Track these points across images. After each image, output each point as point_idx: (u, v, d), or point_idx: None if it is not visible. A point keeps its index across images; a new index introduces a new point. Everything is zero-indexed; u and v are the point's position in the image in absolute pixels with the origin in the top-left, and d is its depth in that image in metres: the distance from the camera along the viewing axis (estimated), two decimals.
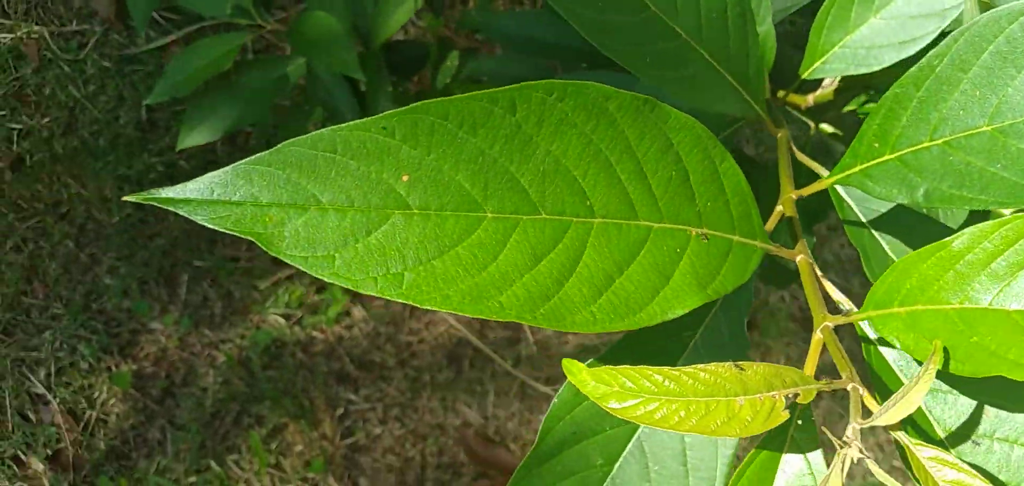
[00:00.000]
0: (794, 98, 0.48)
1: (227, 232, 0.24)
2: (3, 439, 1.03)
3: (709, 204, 0.27)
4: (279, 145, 0.24)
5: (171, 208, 0.24)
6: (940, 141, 0.28)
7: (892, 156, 0.30)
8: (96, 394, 1.08)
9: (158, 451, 1.06)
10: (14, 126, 1.26)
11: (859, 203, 0.39)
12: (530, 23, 0.71)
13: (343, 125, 0.23)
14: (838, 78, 0.49)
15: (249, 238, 0.24)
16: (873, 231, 0.39)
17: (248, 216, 0.24)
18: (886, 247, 0.39)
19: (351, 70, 0.74)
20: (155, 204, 0.24)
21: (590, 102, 0.24)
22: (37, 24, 1.34)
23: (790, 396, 0.24)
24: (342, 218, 0.23)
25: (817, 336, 0.28)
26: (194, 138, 0.84)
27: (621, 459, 0.37)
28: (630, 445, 0.37)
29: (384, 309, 1.19)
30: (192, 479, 1.04)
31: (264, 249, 0.24)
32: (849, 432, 0.24)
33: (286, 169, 0.24)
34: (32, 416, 1.07)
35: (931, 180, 0.28)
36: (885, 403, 0.24)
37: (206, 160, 1.26)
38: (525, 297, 0.23)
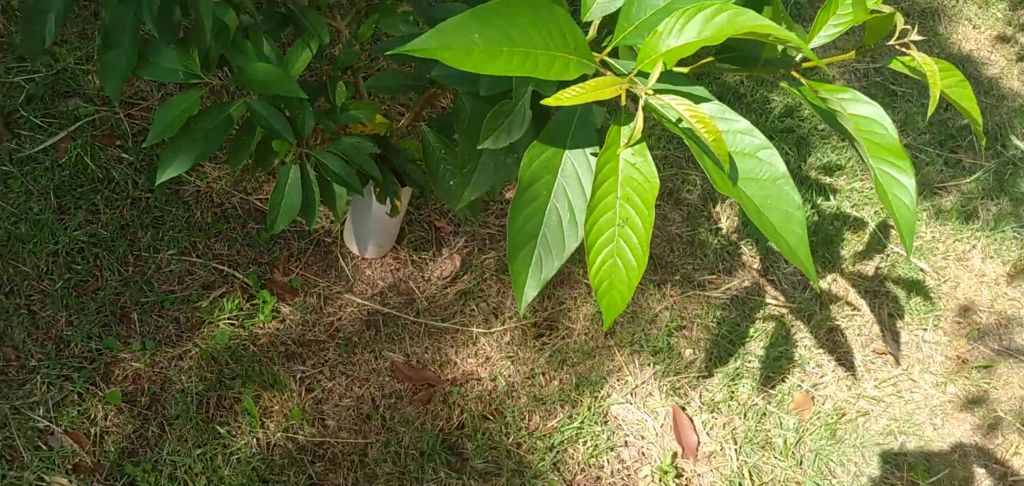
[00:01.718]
0: None
1: (419, 56, 0.61)
2: (23, 468, 1.19)
3: (572, 43, 0.69)
4: (442, 28, 0.61)
5: (419, 54, 0.60)
6: (649, 14, 0.73)
7: (631, 27, 0.75)
8: (94, 414, 1.27)
9: (162, 441, 1.28)
10: None
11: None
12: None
13: (458, 20, 0.62)
14: (597, 18, 0.94)
15: (440, 59, 0.61)
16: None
17: (443, 50, 0.60)
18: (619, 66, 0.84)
19: (297, 93, 1.09)
20: (403, 54, 0.61)
21: (534, 6, 0.64)
22: None
23: (621, 91, 0.65)
24: (469, 50, 0.61)
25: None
26: (170, 172, 1.12)
27: (554, 187, 0.77)
28: (556, 181, 0.77)
29: (303, 302, 1.49)
30: (199, 450, 1.27)
31: (450, 63, 0.61)
32: (641, 89, 0.66)
33: (450, 36, 0.61)
34: (43, 445, 1.23)
35: (636, 33, 0.73)
36: (649, 75, 0.66)
37: (120, 223, 1.48)
38: (526, 69, 0.63)
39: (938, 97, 0.80)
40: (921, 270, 1.89)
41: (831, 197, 1.98)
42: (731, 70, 0.91)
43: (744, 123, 0.71)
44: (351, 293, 1.53)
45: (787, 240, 0.69)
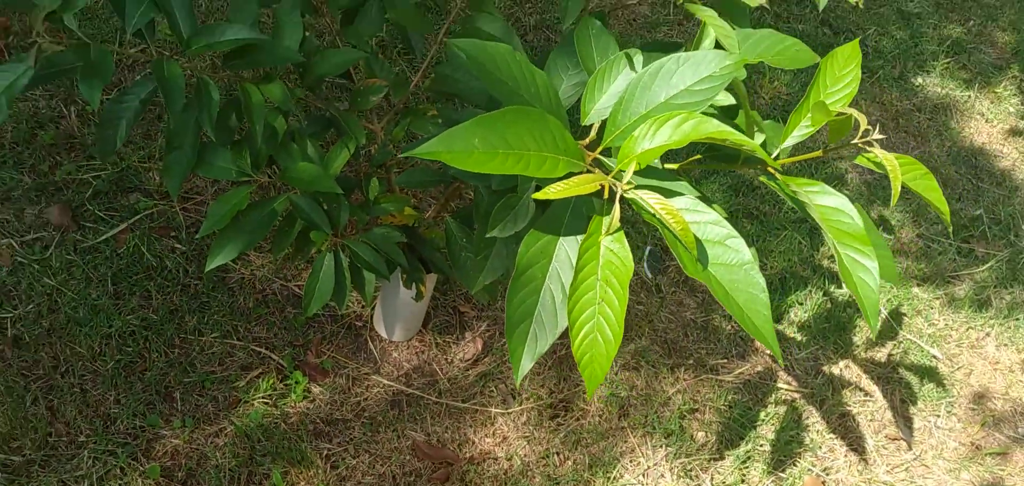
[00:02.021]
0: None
1: (427, 157, 0.72)
2: None
3: (563, 146, 0.79)
4: (448, 133, 0.73)
5: (428, 157, 0.72)
6: (631, 120, 0.84)
7: (618, 131, 0.86)
8: None
9: None
10: (4, 316, 1.54)
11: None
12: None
13: (463, 127, 0.73)
14: (597, 122, 1.06)
15: (444, 160, 0.72)
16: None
17: (448, 153, 0.72)
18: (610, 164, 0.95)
19: (334, 189, 1.21)
20: (413, 156, 0.72)
21: (528, 115, 0.75)
22: (3, 237, 1.64)
23: (605, 185, 0.75)
24: (469, 152, 0.72)
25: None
26: (219, 260, 1.24)
27: (549, 271, 0.87)
28: (551, 265, 0.87)
29: (333, 382, 1.59)
30: None
31: (454, 164, 0.72)
32: (618, 185, 0.76)
33: (454, 141, 0.73)
34: None
35: (621, 136, 0.84)
36: (624, 173, 0.76)
37: (170, 308, 1.61)
38: (519, 168, 0.74)
39: (900, 189, 0.89)
40: (934, 357, 1.92)
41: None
42: (715, 167, 1.01)
43: (713, 215, 0.81)
44: (378, 374, 1.63)
45: (752, 320, 0.77)
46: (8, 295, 1.57)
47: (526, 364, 0.83)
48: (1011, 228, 2.28)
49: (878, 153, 0.89)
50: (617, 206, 0.76)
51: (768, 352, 1.85)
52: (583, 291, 0.77)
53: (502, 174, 0.74)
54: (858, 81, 0.94)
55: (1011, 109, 2.65)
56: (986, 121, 2.60)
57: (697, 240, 0.78)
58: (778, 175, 0.93)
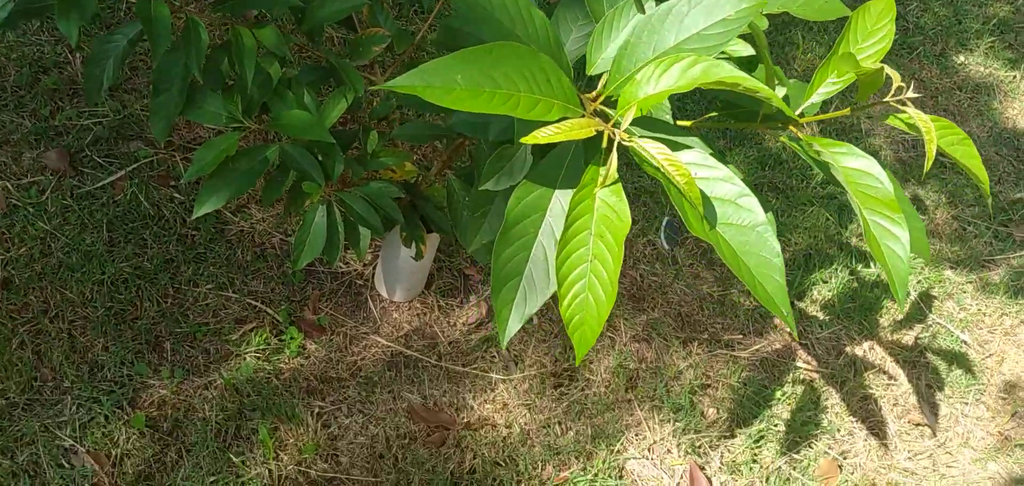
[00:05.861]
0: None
1: (403, 92, 0.65)
2: (45, 485, 1.25)
3: (557, 89, 0.72)
4: (426, 66, 0.65)
5: (403, 91, 0.64)
6: (637, 65, 0.76)
7: (622, 78, 0.78)
8: (117, 437, 1.33)
9: (178, 467, 1.32)
10: None
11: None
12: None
13: (444, 60, 0.65)
14: (605, 72, 0.97)
15: (421, 96, 0.65)
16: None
17: (425, 88, 0.64)
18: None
19: (326, 138, 1.15)
20: (392, 89, 0.65)
21: (517, 51, 0.68)
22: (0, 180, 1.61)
23: (603, 132, 0.67)
24: (449, 89, 0.65)
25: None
26: (207, 207, 1.18)
27: (541, 226, 0.79)
28: (544, 220, 0.79)
29: (329, 340, 1.54)
30: (212, 479, 1.31)
31: (431, 100, 0.64)
32: (617, 132, 0.68)
33: (432, 75, 0.65)
34: (65, 464, 1.30)
35: (624, 83, 0.76)
36: (624, 119, 0.68)
37: (165, 258, 1.56)
38: (507, 108, 0.66)
39: (934, 153, 0.80)
40: (963, 342, 1.82)
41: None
42: (732, 125, 0.93)
43: (725, 171, 0.73)
44: (377, 334, 1.57)
45: (764, 286, 0.69)
46: (1, 238, 1.53)
47: (513, 325, 0.77)
48: None
49: (912, 113, 0.80)
50: (614, 154, 0.68)
51: (787, 329, 1.76)
52: (574, 248, 0.69)
53: (496, 122, 0.66)
54: (892, 36, 0.85)
55: None
56: None
57: (705, 197, 0.71)
58: (801, 134, 0.84)
